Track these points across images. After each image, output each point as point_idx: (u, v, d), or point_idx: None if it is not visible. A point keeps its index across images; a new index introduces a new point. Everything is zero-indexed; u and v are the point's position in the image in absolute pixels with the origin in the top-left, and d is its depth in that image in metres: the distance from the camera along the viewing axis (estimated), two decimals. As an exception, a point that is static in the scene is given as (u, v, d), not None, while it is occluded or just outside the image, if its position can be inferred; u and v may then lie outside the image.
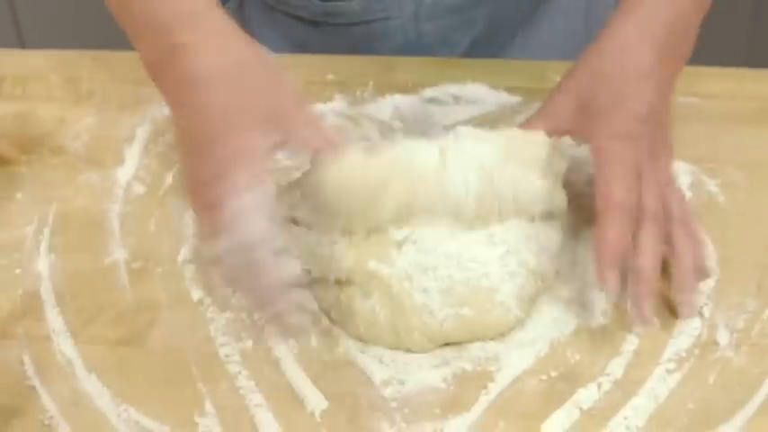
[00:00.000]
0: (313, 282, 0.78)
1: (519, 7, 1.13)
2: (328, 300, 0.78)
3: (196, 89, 0.74)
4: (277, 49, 1.17)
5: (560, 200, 0.80)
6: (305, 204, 0.80)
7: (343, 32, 1.12)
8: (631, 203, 0.75)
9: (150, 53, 0.77)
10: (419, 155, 0.77)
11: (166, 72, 0.76)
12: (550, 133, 0.81)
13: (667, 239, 0.77)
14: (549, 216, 0.80)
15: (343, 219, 0.77)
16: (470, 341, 0.76)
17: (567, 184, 0.83)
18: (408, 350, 0.75)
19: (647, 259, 0.75)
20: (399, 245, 0.76)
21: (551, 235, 0.80)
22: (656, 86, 0.79)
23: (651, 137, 0.78)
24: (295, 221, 0.81)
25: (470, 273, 0.75)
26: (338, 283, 0.77)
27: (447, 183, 0.76)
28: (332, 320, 0.78)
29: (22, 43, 2.11)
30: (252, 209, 0.71)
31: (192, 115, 0.75)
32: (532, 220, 0.79)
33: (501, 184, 0.77)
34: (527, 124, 0.84)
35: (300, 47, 1.15)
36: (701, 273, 0.79)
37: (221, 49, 0.76)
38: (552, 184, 0.79)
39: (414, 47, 1.12)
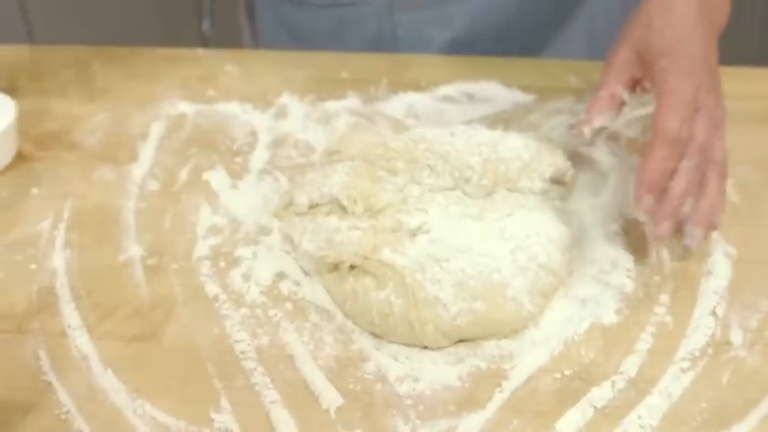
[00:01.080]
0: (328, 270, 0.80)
1: (506, 16, 1.13)
2: (343, 292, 0.78)
3: None
4: (270, 30, 1.20)
5: (566, 165, 0.84)
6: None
7: (324, 15, 1.16)
8: (681, 135, 0.79)
9: None
10: (431, 132, 0.87)
11: None
12: (627, 86, 0.86)
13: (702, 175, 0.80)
14: (559, 190, 0.85)
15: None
16: (484, 337, 0.76)
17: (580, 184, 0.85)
18: (423, 346, 0.75)
19: (679, 183, 0.79)
20: (413, 234, 0.78)
21: (560, 228, 0.81)
22: (704, 37, 0.83)
23: (709, 76, 0.82)
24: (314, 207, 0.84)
25: (482, 267, 0.76)
26: (352, 270, 0.78)
27: (452, 146, 0.83)
28: (346, 314, 0.78)
29: (32, 40, 2.11)
30: None
31: None
32: (544, 190, 0.83)
33: (503, 149, 0.83)
34: (601, 85, 0.87)
35: (288, 28, 1.18)
36: (712, 225, 0.81)
37: None
38: (555, 148, 0.85)
39: (389, 38, 1.14)
